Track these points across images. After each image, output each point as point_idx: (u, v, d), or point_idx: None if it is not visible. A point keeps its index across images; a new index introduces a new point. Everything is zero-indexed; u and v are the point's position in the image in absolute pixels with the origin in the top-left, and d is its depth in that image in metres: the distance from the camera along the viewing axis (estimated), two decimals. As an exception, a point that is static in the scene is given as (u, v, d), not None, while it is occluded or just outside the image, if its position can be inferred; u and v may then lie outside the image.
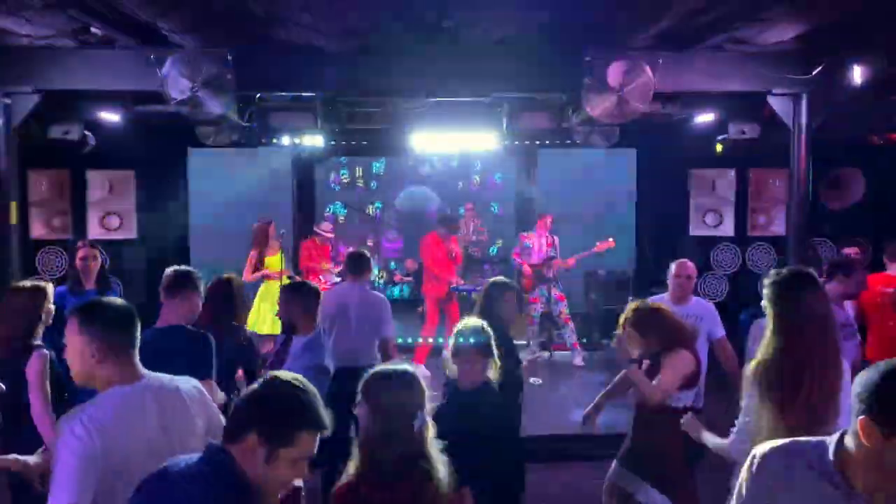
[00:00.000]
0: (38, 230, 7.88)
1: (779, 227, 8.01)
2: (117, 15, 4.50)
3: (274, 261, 7.14)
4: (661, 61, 5.17)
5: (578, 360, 7.84)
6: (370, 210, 11.11)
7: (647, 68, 5.13)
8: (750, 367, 2.47)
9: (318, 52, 5.26)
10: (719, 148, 7.10)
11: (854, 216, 8.12)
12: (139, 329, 2.11)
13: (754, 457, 1.70)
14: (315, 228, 8.44)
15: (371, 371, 2.19)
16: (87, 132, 6.31)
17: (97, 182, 8.06)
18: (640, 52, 5.15)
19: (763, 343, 2.49)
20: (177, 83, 5.06)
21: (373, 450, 2.07)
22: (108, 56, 5.16)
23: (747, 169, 8.24)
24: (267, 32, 5.05)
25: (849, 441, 1.53)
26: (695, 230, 8.53)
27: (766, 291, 2.52)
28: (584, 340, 8.34)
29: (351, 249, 5.01)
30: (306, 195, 10.80)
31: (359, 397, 2.13)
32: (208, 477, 1.59)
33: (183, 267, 3.48)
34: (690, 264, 4.38)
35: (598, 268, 8.93)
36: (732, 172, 8.33)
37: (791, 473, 1.62)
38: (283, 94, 5.49)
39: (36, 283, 3.55)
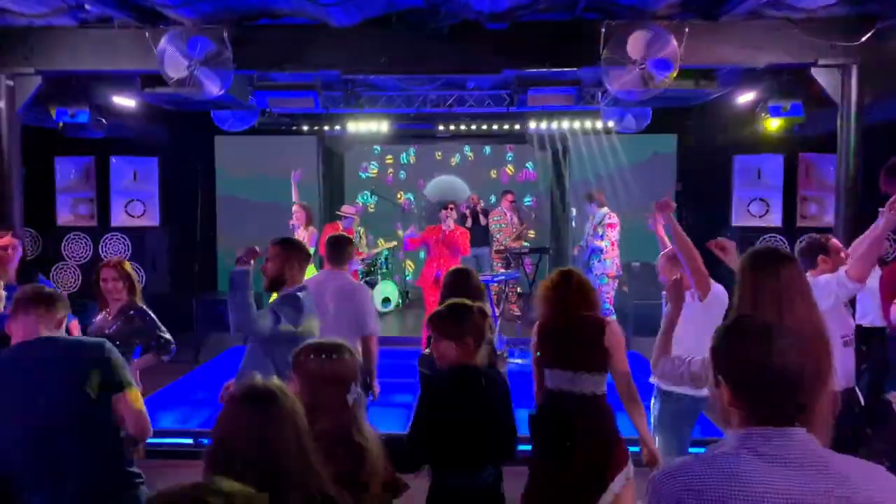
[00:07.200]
0: (64, 217, 7.97)
1: (833, 217, 7.35)
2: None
3: None
4: (688, 30, 4.70)
5: None
6: (399, 197, 10.87)
7: (673, 39, 4.67)
8: None
9: (321, 29, 5.01)
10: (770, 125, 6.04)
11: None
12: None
13: None
14: (337, 212, 8.29)
15: (303, 343, 2.14)
16: (99, 117, 6.24)
17: (121, 169, 8.10)
18: (665, 21, 4.69)
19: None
20: (174, 61, 4.90)
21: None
22: (107, 35, 5.04)
23: (797, 154, 7.60)
24: (267, 7, 4.85)
25: None
26: (738, 220, 7.94)
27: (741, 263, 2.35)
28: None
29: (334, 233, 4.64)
30: (335, 183, 10.67)
31: (290, 369, 2.11)
32: None
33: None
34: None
35: (633, 260, 8.43)
36: (780, 158, 7.71)
37: None
38: (284, 73, 5.25)
39: None
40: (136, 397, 2.37)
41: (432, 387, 2.74)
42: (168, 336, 3.66)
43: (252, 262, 3.10)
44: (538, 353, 3.04)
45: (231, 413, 1.68)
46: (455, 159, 11.01)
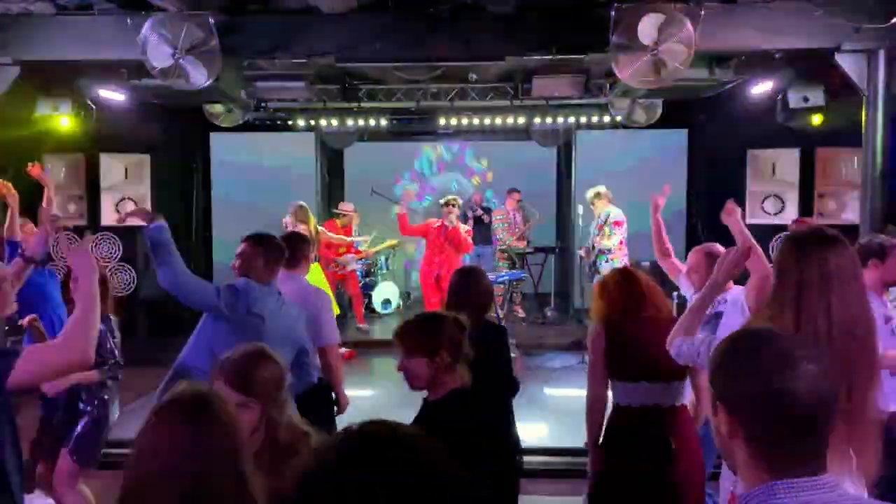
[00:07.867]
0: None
1: (852, 214, 7.02)
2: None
3: None
4: (703, 13, 4.41)
5: None
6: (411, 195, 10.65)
7: (688, 22, 4.38)
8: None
9: (312, 14, 4.74)
10: None
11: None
12: None
13: None
14: (335, 209, 8.03)
15: (217, 363, 1.92)
16: (87, 112, 5.99)
17: (112, 167, 7.83)
18: (679, 4, 4.40)
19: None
20: (158, 50, 4.63)
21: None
22: (88, 22, 4.78)
23: (814, 147, 7.28)
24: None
25: None
26: (752, 218, 7.60)
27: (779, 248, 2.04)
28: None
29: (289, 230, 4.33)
30: (335, 182, 10.40)
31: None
32: None
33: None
34: None
35: (643, 258, 8.11)
36: (796, 152, 7.39)
37: None
38: (274, 62, 4.98)
39: None
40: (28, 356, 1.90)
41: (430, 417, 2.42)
42: (117, 361, 3.47)
43: (153, 214, 2.88)
44: (609, 367, 2.73)
45: (157, 426, 1.42)
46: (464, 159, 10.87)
